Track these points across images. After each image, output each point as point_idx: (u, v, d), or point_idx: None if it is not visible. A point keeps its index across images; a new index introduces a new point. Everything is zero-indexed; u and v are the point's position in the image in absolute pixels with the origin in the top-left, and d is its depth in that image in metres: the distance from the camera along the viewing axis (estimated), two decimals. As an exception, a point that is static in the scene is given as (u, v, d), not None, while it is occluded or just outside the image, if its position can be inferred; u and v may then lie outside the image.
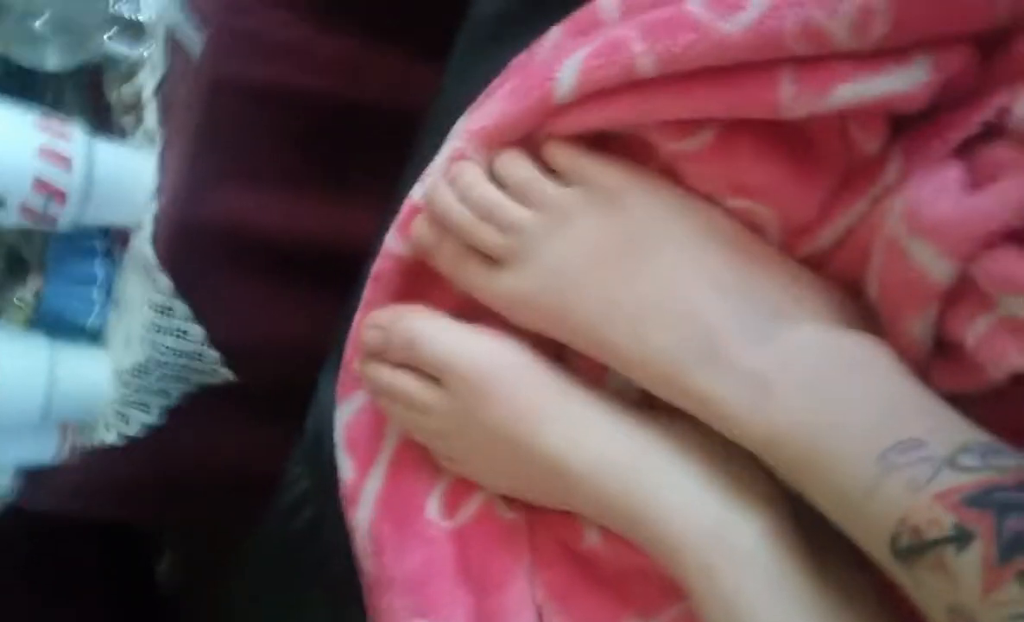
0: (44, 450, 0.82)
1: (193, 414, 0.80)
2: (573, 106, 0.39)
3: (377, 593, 0.47)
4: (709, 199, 0.38)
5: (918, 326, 0.34)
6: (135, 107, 0.75)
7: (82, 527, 1.01)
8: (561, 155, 0.40)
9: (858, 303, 0.37)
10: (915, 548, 0.27)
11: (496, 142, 0.41)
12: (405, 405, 0.43)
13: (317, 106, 0.72)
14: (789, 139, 0.37)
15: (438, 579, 0.44)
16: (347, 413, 0.49)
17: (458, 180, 0.41)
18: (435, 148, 0.46)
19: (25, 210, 0.71)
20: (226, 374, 0.78)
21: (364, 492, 0.48)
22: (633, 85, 0.37)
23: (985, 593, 0.25)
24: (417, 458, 0.47)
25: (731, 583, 0.32)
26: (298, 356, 0.67)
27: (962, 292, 0.33)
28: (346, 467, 0.49)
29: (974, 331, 0.32)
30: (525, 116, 0.40)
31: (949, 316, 0.33)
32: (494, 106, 0.41)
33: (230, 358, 0.76)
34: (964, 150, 0.34)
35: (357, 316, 0.48)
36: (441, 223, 0.42)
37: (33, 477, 0.84)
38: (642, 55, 0.36)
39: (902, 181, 0.35)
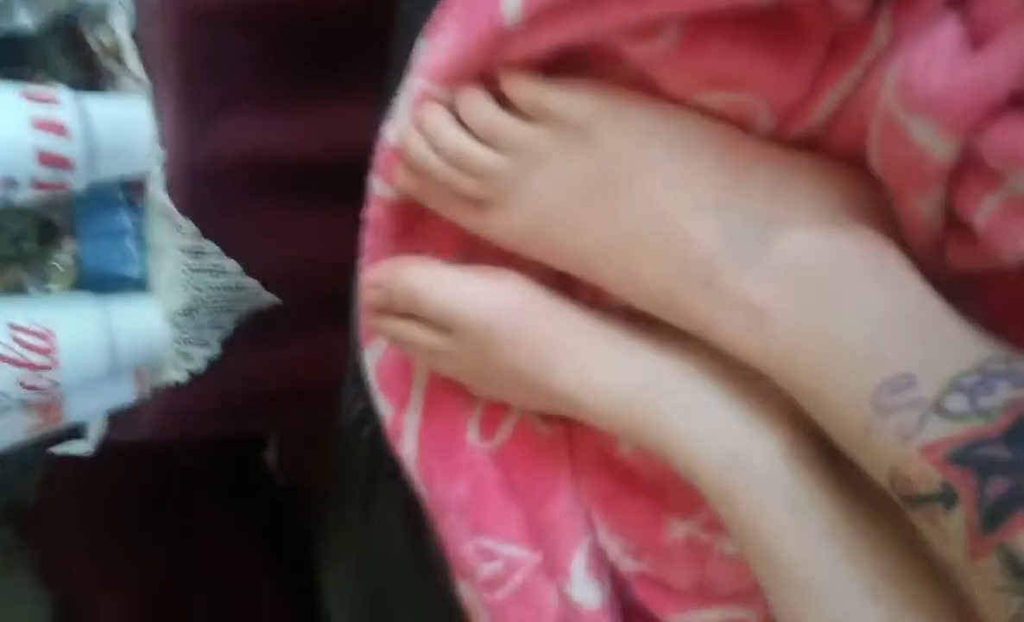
0: (122, 394, 0.86)
1: (251, 335, 0.82)
2: (525, 29, 0.36)
3: (437, 516, 0.49)
4: (688, 103, 0.35)
5: (925, 206, 0.32)
6: (117, 53, 0.73)
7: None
8: (521, 90, 0.37)
9: (864, 179, 0.35)
10: (909, 499, 0.27)
11: (455, 77, 0.39)
12: (420, 352, 0.44)
13: (291, 13, 0.69)
14: (765, 17, 0.33)
15: (488, 500, 0.46)
16: (375, 356, 0.49)
17: (425, 128, 0.39)
18: (404, 53, 0.44)
19: (37, 185, 0.71)
20: (270, 297, 0.79)
21: (405, 428, 0.49)
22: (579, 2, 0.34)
23: (971, 558, 0.24)
24: (449, 389, 0.47)
25: (752, 506, 0.32)
26: (331, 266, 0.68)
27: (969, 168, 0.30)
28: (384, 406, 0.50)
29: (983, 211, 0.30)
30: (477, 46, 0.37)
31: (958, 194, 0.31)
32: (448, 34, 0.39)
33: (265, 282, 0.77)
34: (959, 4, 0.30)
35: (362, 263, 0.48)
36: (419, 171, 0.41)
37: (119, 415, 0.89)
38: None
39: (894, 42, 0.32)
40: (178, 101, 0.70)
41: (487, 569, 0.46)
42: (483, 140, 0.38)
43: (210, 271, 0.76)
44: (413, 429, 0.48)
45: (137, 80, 0.71)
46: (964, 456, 0.25)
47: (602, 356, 0.38)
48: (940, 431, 0.26)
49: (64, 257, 0.81)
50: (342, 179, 0.72)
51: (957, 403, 0.26)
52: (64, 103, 0.70)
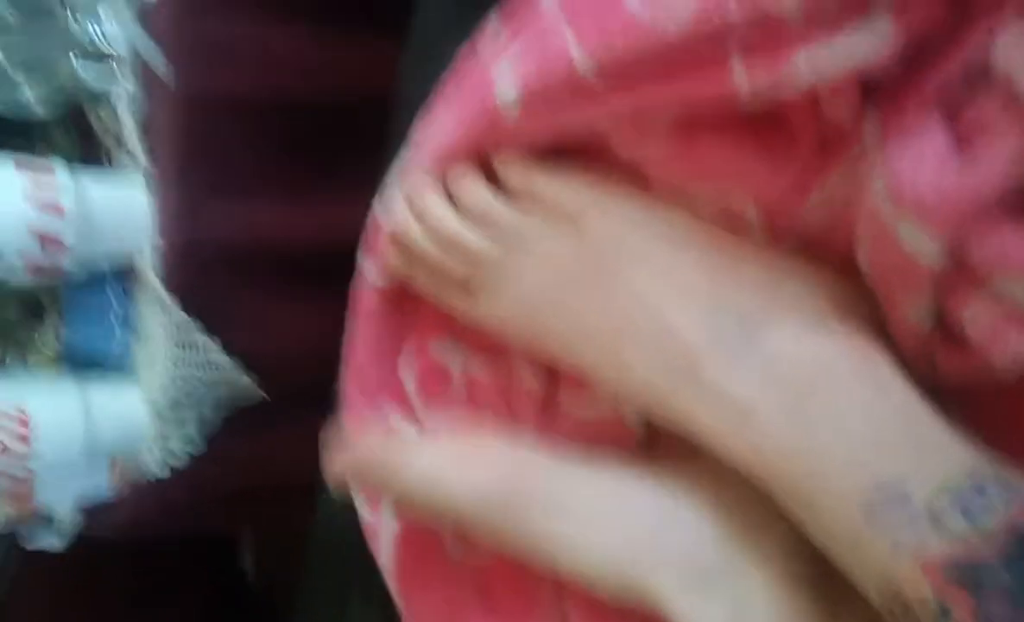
0: (98, 485, 0.84)
1: (228, 429, 0.80)
2: (519, 118, 0.36)
3: None
4: (678, 199, 0.35)
5: (914, 310, 0.31)
6: (118, 135, 0.74)
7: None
8: (514, 175, 0.37)
9: (854, 284, 0.34)
10: (900, 613, 0.25)
11: (449, 159, 0.39)
12: None
13: (291, 105, 0.70)
14: (753, 116, 0.34)
15: (464, 617, 0.44)
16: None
17: (418, 211, 0.39)
18: (400, 142, 0.44)
19: (29, 264, 0.71)
20: (259, 394, 0.78)
21: (382, 531, 0.47)
22: (577, 88, 0.34)
23: None
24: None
25: None
26: (317, 356, 0.67)
27: (958, 272, 0.30)
28: (361, 505, 0.48)
29: (972, 316, 0.29)
30: (473, 131, 0.37)
31: (947, 299, 0.30)
32: (444, 118, 0.39)
33: (250, 368, 0.76)
34: (946, 105, 0.31)
35: (347, 344, 0.47)
36: (408, 252, 0.40)
37: (94, 509, 0.86)
38: (580, 60, 0.33)
39: (881, 145, 0.32)
40: (175, 184, 0.70)
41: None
42: (474, 222, 0.38)
43: (201, 364, 0.75)
44: (390, 534, 0.46)
45: (136, 161, 0.72)
46: (962, 576, 0.24)
47: (598, 521, 0.36)
48: (936, 546, 0.25)
49: (47, 334, 0.80)
50: (330, 270, 0.72)
51: (952, 517, 0.25)
52: (61, 180, 0.70)
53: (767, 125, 0.34)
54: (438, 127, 0.39)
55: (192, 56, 0.68)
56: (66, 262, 0.72)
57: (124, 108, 0.71)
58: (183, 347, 0.73)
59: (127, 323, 0.80)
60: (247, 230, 0.72)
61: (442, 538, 0.45)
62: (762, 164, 0.34)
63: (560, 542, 0.36)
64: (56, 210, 0.70)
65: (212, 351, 0.74)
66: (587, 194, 0.36)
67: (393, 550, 0.46)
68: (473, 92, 0.37)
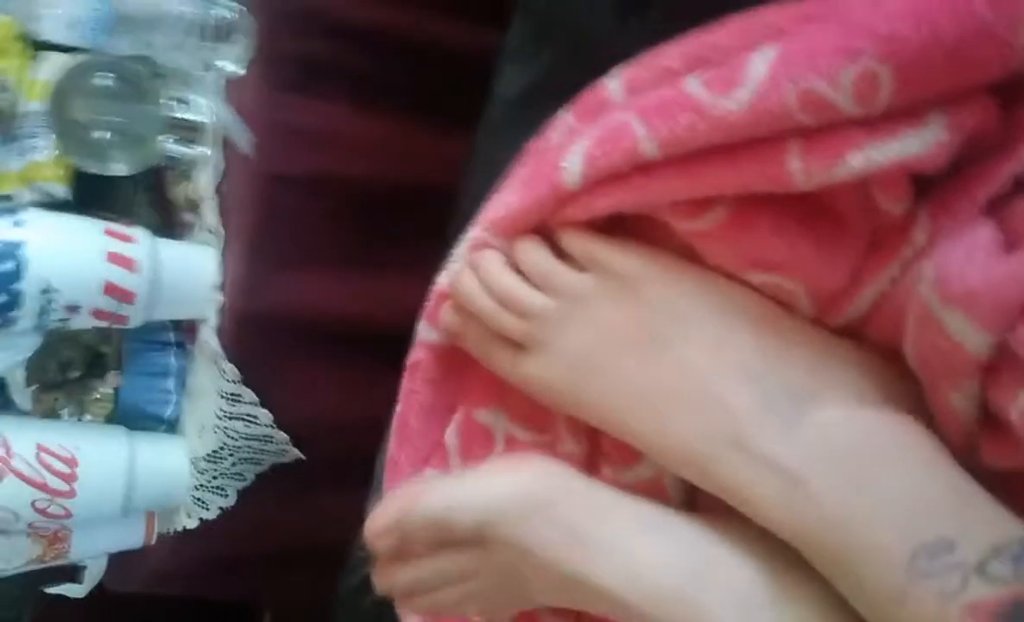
0: (131, 536, 0.85)
1: (264, 490, 0.82)
2: (583, 192, 0.38)
3: None
4: (731, 276, 0.37)
5: (958, 399, 0.32)
6: (196, 205, 0.78)
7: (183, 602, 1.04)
8: (575, 243, 0.39)
9: (899, 369, 0.35)
10: None
11: (513, 230, 0.41)
12: (447, 594, 0.42)
13: (364, 188, 0.74)
14: (809, 207, 0.35)
15: None
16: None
17: (479, 268, 0.41)
18: (463, 226, 0.46)
19: (97, 312, 0.74)
20: (295, 453, 0.80)
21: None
22: (640, 168, 0.36)
23: None
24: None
25: None
26: (362, 430, 0.68)
27: (1004, 363, 0.31)
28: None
29: (1018, 406, 0.30)
30: (538, 205, 0.40)
31: (992, 388, 0.31)
32: (511, 194, 0.41)
33: (296, 435, 0.78)
34: (995, 206, 0.32)
35: (398, 410, 0.48)
36: (465, 310, 0.42)
37: (121, 561, 0.87)
38: (645, 140, 0.35)
39: (931, 243, 0.33)
40: (245, 253, 0.74)
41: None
42: (534, 284, 0.40)
43: (244, 418, 0.77)
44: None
45: (211, 232, 0.76)
46: (1011, 616, 0.24)
47: (645, 544, 0.37)
48: (984, 592, 0.25)
49: (106, 389, 0.83)
50: (384, 346, 0.74)
51: (1001, 567, 0.26)
52: (140, 243, 0.74)
53: (821, 219, 0.35)
54: (503, 201, 0.41)
55: (273, 133, 0.72)
56: (132, 315, 0.75)
57: (206, 180, 0.76)
58: (228, 399, 0.75)
59: (181, 383, 0.83)
60: (308, 301, 0.75)
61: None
62: (815, 257, 0.35)
63: (602, 549, 0.36)
64: (131, 266, 0.74)
65: (254, 405, 0.76)
66: (645, 263, 0.38)
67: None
68: (540, 171, 0.39)
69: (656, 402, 0.36)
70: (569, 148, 0.38)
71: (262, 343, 0.76)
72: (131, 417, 0.82)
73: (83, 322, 0.75)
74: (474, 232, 0.43)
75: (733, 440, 0.34)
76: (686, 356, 0.36)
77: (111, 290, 0.74)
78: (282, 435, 0.79)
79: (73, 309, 0.75)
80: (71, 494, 0.79)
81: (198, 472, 0.80)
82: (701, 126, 0.34)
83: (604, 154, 0.36)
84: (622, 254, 0.38)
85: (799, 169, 0.33)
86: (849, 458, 0.31)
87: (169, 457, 0.81)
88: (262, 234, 0.74)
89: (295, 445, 0.79)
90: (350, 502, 0.73)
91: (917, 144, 0.31)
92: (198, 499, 0.81)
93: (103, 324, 0.77)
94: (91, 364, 0.84)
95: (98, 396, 0.83)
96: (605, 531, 0.37)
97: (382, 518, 0.41)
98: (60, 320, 0.74)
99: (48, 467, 0.78)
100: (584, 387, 0.38)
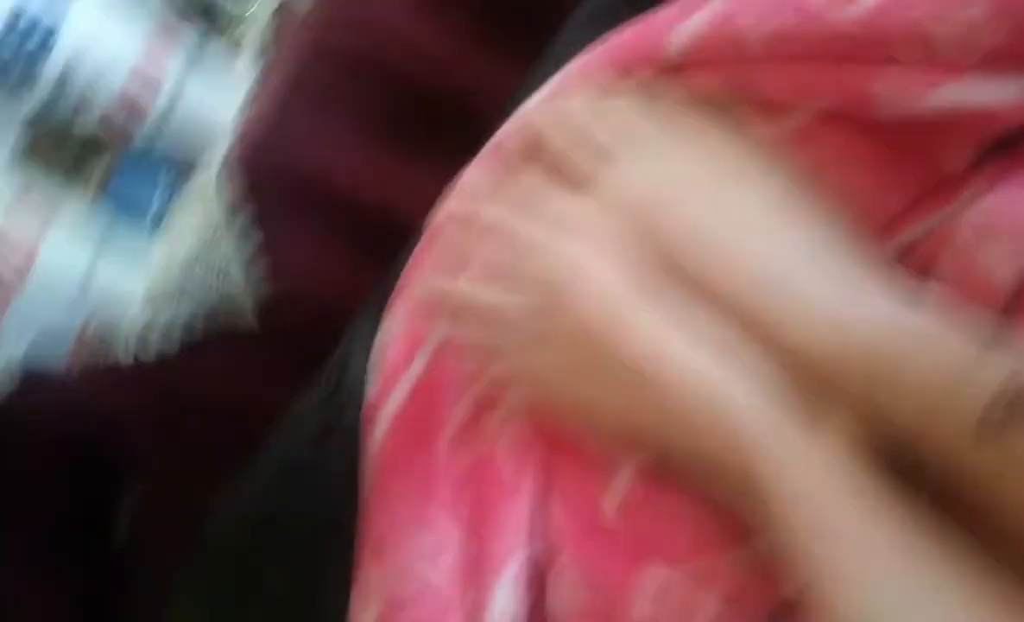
0: (56, 347, 0.82)
1: (203, 354, 0.79)
2: (679, 66, 0.40)
3: (374, 512, 0.46)
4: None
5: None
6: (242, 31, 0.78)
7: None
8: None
9: None
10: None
11: (600, 79, 0.43)
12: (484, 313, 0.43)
13: (407, 88, 0.74)
14: (876, 143, 0.38)
15: (434, 507, 0.44)
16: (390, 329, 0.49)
17: (560, 105, 0.43)
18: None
19: (104, 119, 0.74)
20: (251, 324, 0.78)
21: (382, 410, 0.48)
22: (738, 58, 0.39)
23: None
24: (443, 383, 0.46)
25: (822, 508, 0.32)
26: (329, 319, 0.68)
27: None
28: (372, 384, 0.49)
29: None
30: (633, 61, 0.42)
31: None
32: (606, 48, 0.43)
33: (264, 304, 0.77)
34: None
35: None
36: (539, 142, 0.43)
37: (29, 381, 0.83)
38: (751, 29, 0.38)
39: (988, 190, 0.36)
40: (271, 106, 0.74)
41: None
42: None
43: (218, 270, 0.76)
44: (391, 411, 0.47)
45: (248, 72, 0.76)
46: None
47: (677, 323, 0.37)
48: None
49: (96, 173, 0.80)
50: (380, 238, 0.75)
51: None
52: (169, 70, 0.74)
53: (884, 157, 0.38)
54: (595, 52, 0.43)
55: (338, 12, 0.74)
56: (138, 134, 0.75)
57: (256, 26, 0.76)
58: (209, 245, 0.75)
59: (158, 220, 0.81)
60: (319, 175, 0.75)
61: (440, 427, 0.45)
62: (877, 184, 0.38)
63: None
64: (153, 85, 0.73)
65: (232, 260, 0.75)
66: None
67: (388, 427, 0.46)
68: (644, 34, 0.42)
69: (736, 221, 0.38)
70: (680, 22, 0.40)
71: (263, 200, 0.75)
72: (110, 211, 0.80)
73: (89, 122, 0.75)
74: (558, 78, 0.45)
75: (806, 258, 0.36)
76: (760, 199, 0.38)
77: (126, 103, 0.74)
78: (248, 300, 0.78)
79: (85, 103, 0.74)
80: (19, 288, 0.77)
81: (151, 309, 0.78)
82: (807, 27, 0.36)
83: (712, 34, 0.39)
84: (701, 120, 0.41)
85: (883, 93, 0.36)
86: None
87: (128, 281, 0.79)
88: (295, 95, 0.74)
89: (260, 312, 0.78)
90: (280, 394, 0.72)
91: (1006, 92, 0.34)
92: (141, 335, 0.79)
93: (104, 135, 0.76)
94: (91, 149, 0.82)
95: (86, 177, 0.81)
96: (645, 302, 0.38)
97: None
98: (69, 108, 0.73)
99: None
100: (662, 205, 0.39)
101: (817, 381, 0.34)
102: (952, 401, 0.30)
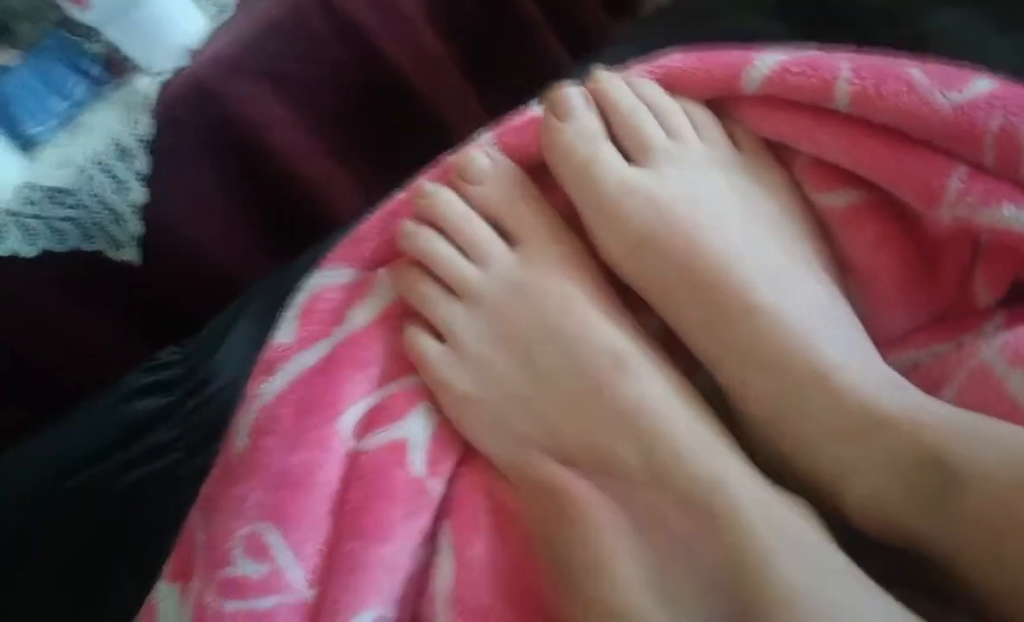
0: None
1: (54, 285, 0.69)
2: (754, 97, 0.37)
3: (233, 479, 0.38)
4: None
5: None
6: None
7: None
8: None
9: None
10: None
11: (674, 84, 0.39)
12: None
13: (390, 81, 0.70)
14: (919, 249, 0.36)
15: (312, 494, 0.37)
16: (325, 280, 0.42)
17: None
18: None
19: None
20: (132, 256, 0.69)
21: (288, 363, 0.41)
22: (817, 111, 0.36)
23: None
24: (360, 360, 0.40)
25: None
26: (215, 291, 0.60)
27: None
28: (287, 331, 0.41)
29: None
30: (709, 79, 0.38)
31: None
32: (679, 55, 0.40)
33: (150, 246, 0.69)
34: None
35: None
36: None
37: None
38: (844, 81, 0.35)
39: (1005, 324, 0.34)
40: (237, 39, 0.68)
41: (246, 568, 0.36)
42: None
43: (118, 181, 0.67)
44: (295, 370, 0.40)
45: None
46: None
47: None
48: None
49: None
50: (298, 224, 0.68)
51: None
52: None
53: (918, 270, 0.36)
54: (669, 57, 0.40)
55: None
56: (80, 13, 0.66)
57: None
58: (120, 152, 0.66)
59: (68, 117, 0.72)
60: (260, 133, 0.68)
61: (343, 405, 0.38)
62: (903, 288, 0.36)
63: None
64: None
65: (137, 177, 0.66)
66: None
67: (288, 385, 0.39)
68: (726, 55, 0.38)
69: (762, 263, 0.34)
70: (763, 53, 0.37)
71: (190, 132, 0.68)
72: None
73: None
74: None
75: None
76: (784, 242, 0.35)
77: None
78: (136, 225, 0.69)
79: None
80: None
81: (26, 199, 0.68)
82: (903, 100, 0.34)
83: (799, 72, 0.36)
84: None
85: (955, 192, 0.34)
86: None
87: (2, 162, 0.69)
88: (270, 40, 0.68)
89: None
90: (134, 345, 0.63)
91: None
92: (25, 226, 0.68)
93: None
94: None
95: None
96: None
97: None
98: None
99: None
100: (694, 221, 0.35)
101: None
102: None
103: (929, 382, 0.34)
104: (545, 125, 0.38)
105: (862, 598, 0.25)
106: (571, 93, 0.38)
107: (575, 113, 0.38)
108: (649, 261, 0.35)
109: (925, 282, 0.36)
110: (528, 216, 0.38)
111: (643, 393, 0.32)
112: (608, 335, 0.34)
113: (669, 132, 0.37)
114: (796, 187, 0.38)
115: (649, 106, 0.38)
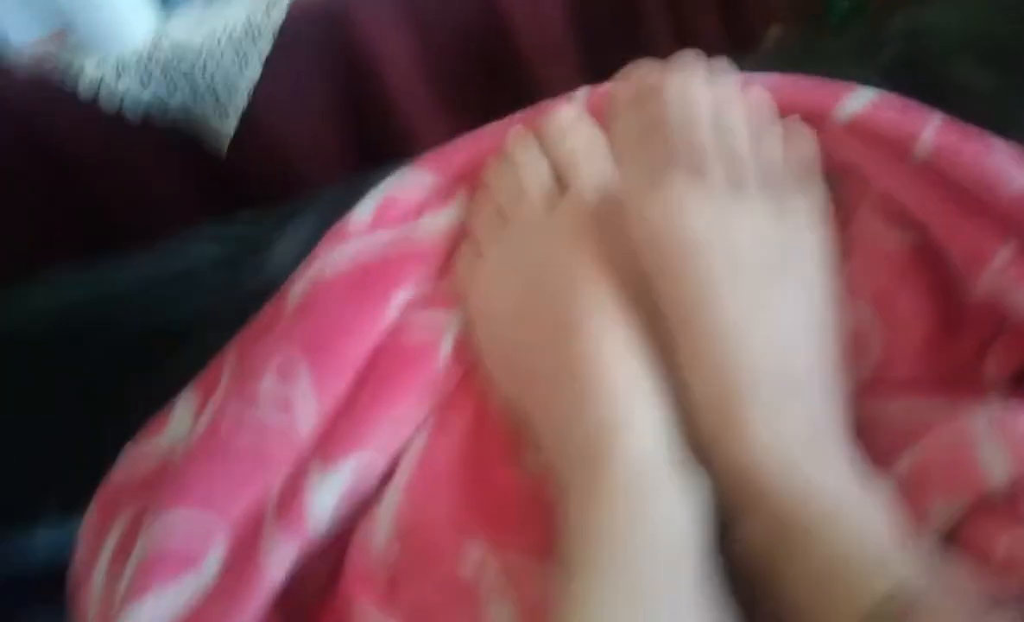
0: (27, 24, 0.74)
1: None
2: (842, 127, 0.40)
3: (281, 319, 0.41)
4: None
5: (942, 509, 0.33)
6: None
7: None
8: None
9: None
10: None
11: (773, 96, 0.42)
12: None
13: (511, 55, 0.74)
14: (942, 315, 0.38)
15: (349, 346, 0.40)
16: (409, 181, 0.46)
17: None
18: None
19: None
20: (230, 129, 0.73)
21: (359, 239, 0.44)
22: (897, 151, 0.39)
23: None
24: (424, 255, 0.43)
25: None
26: (286, 186, 0.63)
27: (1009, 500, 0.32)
28: (364, 211, 0.44)
29: (1004, 543, 0.32)
30: (803, 103, 0.41)
31: (981, 519, 0.31)
32: (782, 78, 0.42)
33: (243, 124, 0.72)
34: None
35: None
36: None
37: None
38: (931, 130, 0.38)
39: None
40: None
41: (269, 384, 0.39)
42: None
43: (239, 53, 0.71)
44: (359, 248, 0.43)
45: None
46: None
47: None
48: None
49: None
50: (387, 149, 0.71)
51: None
52: None
53: (940, 330, 0.37)
54: (768, 77, 0.43)
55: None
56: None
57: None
58: (248, 29, 0.70)
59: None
60: (370, 61, 0.73)
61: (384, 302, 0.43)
62: (937, 342, 0.37)
63: None
64: None
65: (258, 59, 0.71)
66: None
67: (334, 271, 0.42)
68: (825, 85, 0.41)
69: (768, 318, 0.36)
70: (862, 88, 0.41)
71: (307, 37, 0.72)
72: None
73: None
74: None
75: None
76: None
77: None
78: (244, 101, 0.72)
79: None
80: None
81: (153, 47, 0.72)
82: (981, 166, 0.36)
83: (889, 114, 0.39)
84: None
85: (999, 264, 0.35)
86: None
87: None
88: None
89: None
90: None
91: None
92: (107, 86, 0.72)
93: None
94: None
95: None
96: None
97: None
98: None
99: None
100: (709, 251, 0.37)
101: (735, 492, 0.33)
102: (841, 590, 0.29)
103: (908, 433, 0.35)
104: None
105: None
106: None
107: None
108: (659, 290, 0.38)
109: (948, 342, 0.38)
110: (582, 177, 0.42)
111: (594, 350, 0.36)
112: (584, 303, 0.38)
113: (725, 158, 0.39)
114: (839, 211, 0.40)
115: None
